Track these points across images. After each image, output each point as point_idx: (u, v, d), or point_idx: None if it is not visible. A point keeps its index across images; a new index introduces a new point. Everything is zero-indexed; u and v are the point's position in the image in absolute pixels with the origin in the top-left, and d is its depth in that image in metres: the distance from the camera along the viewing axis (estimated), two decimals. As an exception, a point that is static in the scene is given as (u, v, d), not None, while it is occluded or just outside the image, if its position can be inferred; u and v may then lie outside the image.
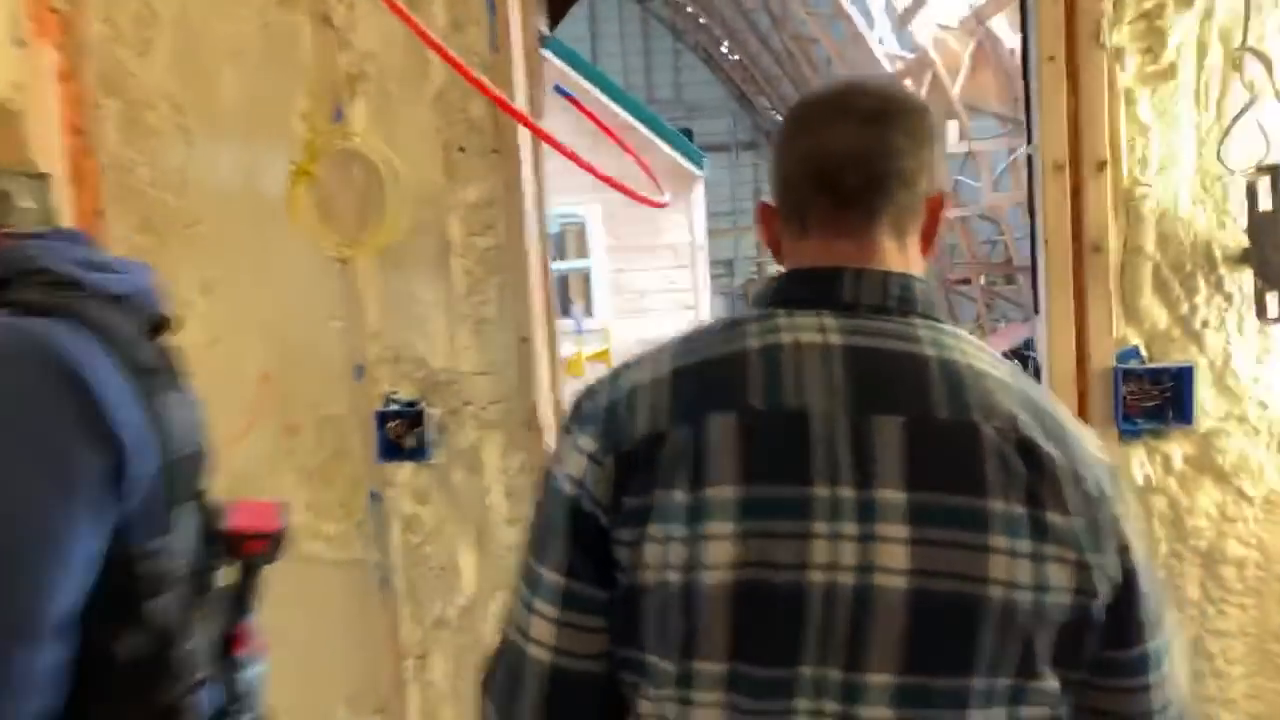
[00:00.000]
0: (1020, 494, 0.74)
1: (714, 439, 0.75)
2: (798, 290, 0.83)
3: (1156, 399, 1.75)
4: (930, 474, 0.74)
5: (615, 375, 0.84)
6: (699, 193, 8.12)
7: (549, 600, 0.81)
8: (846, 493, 0.74)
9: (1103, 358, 1.77)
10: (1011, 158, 9.79)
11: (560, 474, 0.81)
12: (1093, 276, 1.77)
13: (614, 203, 8.07)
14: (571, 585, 0.80)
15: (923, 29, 9.78)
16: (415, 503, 2.06)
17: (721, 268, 15.57)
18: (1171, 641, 0.82)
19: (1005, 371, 0.80)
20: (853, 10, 11.02)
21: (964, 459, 0.74)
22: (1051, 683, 0.75)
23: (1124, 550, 0.77)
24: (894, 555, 0.73)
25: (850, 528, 0.74)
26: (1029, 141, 1.88)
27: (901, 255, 0.84)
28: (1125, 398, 1.75)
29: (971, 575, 0.73)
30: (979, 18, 9.02)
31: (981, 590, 0.73)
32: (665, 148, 7.89)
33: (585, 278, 8.40)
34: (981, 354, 0.80)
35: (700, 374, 0.79)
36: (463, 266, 1.98)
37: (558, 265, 8.42)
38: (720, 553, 0.74)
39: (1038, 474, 0.75)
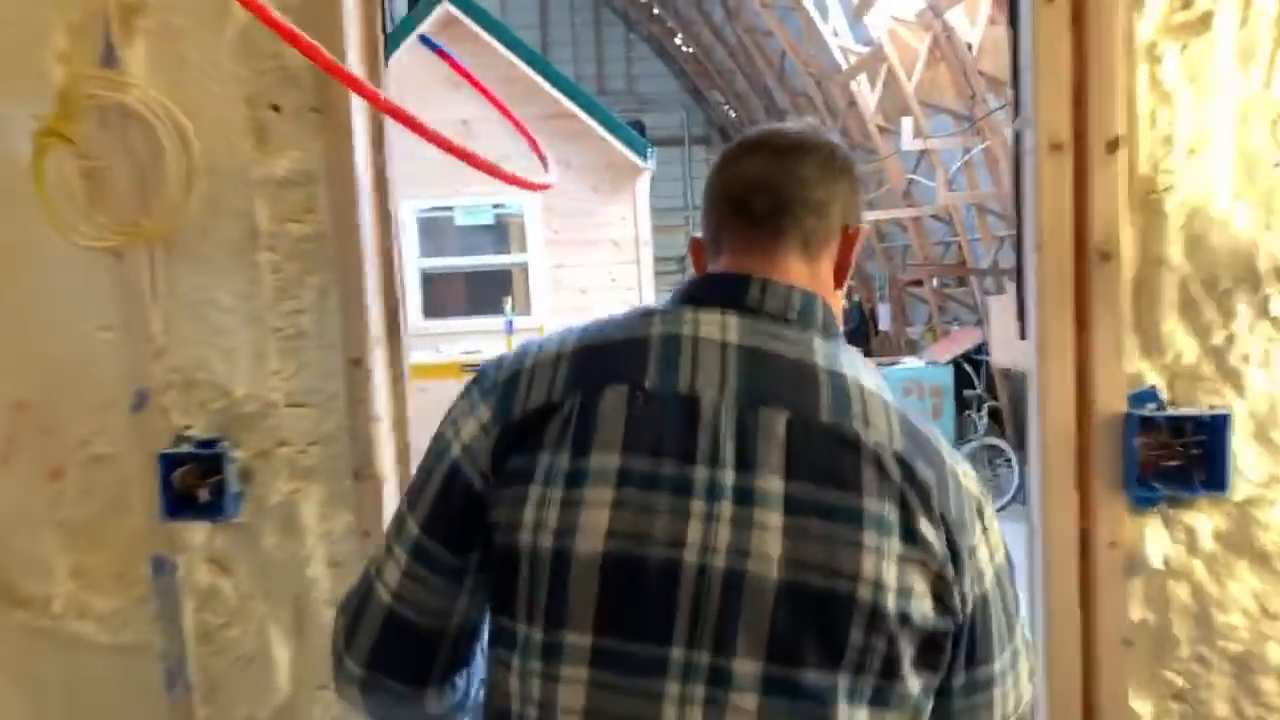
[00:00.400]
0: (894, 499, 0.77)
1: (604, 409, 0.78)
2: (706, 291, 0.87)
3: (1180, 456, 1.32)
4: (809, 468, 0.77)
5: (523, 350, 0.86)
6: (644, 185, 7.64)
7: (404, 549, 0.84)
8: (727, 476, 0.77)
9: (1111, 400, 1.34)
10: (966, 157, 9.52)
11: (452, 435, 0.84)
12: (1100, 293, 1.34)
13: (553, 193, 7.57)
14: (425, 542, 0.83)
15: (878, 22, 9.46)
16: (213, 573, 1.56)
17: (673, 264, 15.16)
18: (1017, 652, 0.85)
19: (890, 396, 0.83)
20: (808, 2, 10.66)
21: (842, 459, 0.78)
22: (913, 686, 0.78)
23: (978, 578, 0.81)
24: (768, 542, 0.76)
25: (727, 510, 0.76)
26: (1016, 113, 1.44)
27: (810, 276, 0.88)
28: (1139, 453, 1.32)
29: (842, 571, 0.75)
30: (935, 10, 8.70)
31: (851, 588, 0.75)
32: (608, 136, 7.40)
33: (523, 273, 7.89)
34: (871, 376, 0.84)
35: (600, 352, 0.82)
36: (272, 262, 1.49)
37: (496, 260, 7.95)
38: (595, 519, 0.76)
39: (910, 484, 0.78)
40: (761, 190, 0.88)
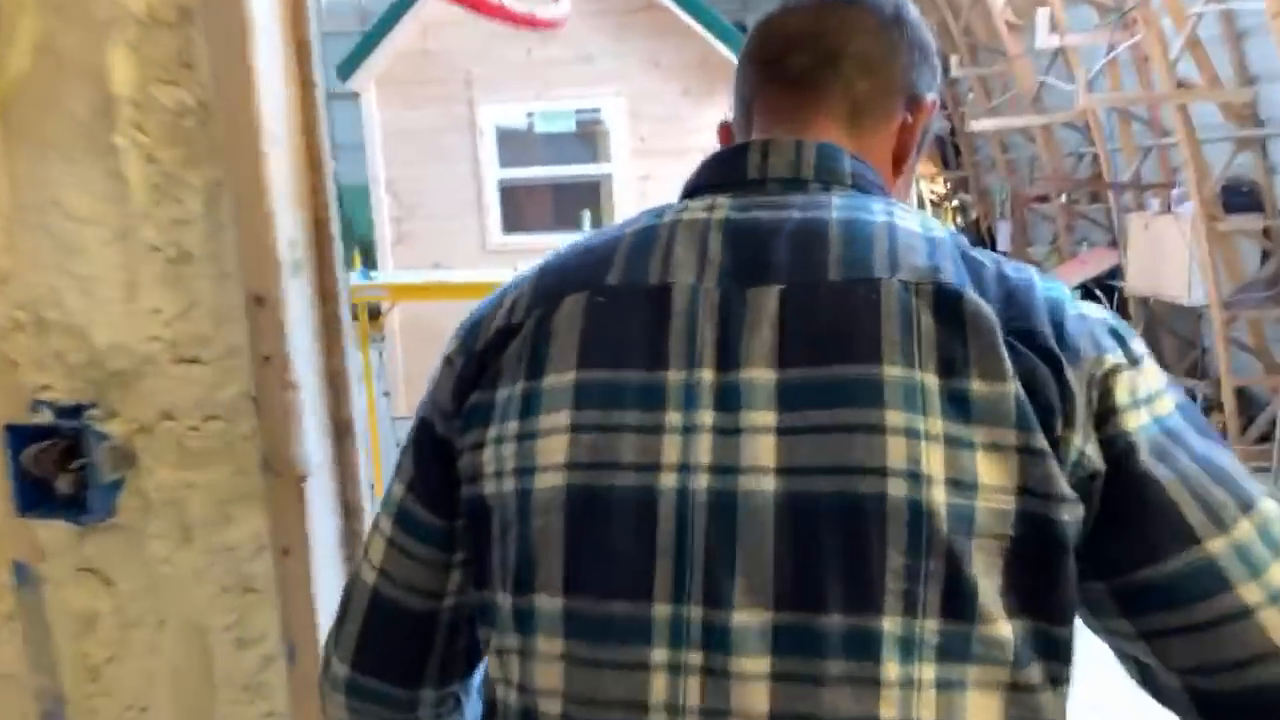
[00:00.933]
0: (930, 357, 0.58)
1: (559, 320, 0.65)
2: (702, 176, 0.72)
3: None
4: (809, 345, 0.60)
5: (510, 280, 0.73)
6: (740, 87, 6.93)
7: (389, 516, 0.74)
8: (706, 375, 0.61)
9: None
10: (1110, 55, 8.44)
11: (429, 383, 0.73)
12: None
13: (641, 97, 7.00)
14: (407, 503, 0.72)
15: (1014, -101, 8.36)
16: (90, 590, 1.12)
17: (771, 178, 14.28)
18: (1270, 523, 0.57)
19: (951, 239, 0.64)
20: (932, -121, 9.53)
21: (854, 320, 0.59)
22: (1004, 630, 0.55)
23: (1107, 415, 0.57)
24: (761, 449, 0.58)
25: (707, 417, 0.60)
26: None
27: (854, 153, 0.70)
28: None
29: (860, 466, 0.56)
30: (1085, -119, 7.56)
31: (877, 486, 0.56)
32: (701, 31, 6.69)
33: (610, 185, 7.35)
34: (924, 221, 0.65)
35: (568, 262, 0.69)
36: (140, 147, 0.99)
37: (576, 171, 7.43)
38: (553, 450, 0.62)
39: (957, 331, 0.58)
40: (802, 44, 0.72)
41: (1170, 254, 7.32)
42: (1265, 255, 6.84)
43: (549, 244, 5.36)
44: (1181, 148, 6.61)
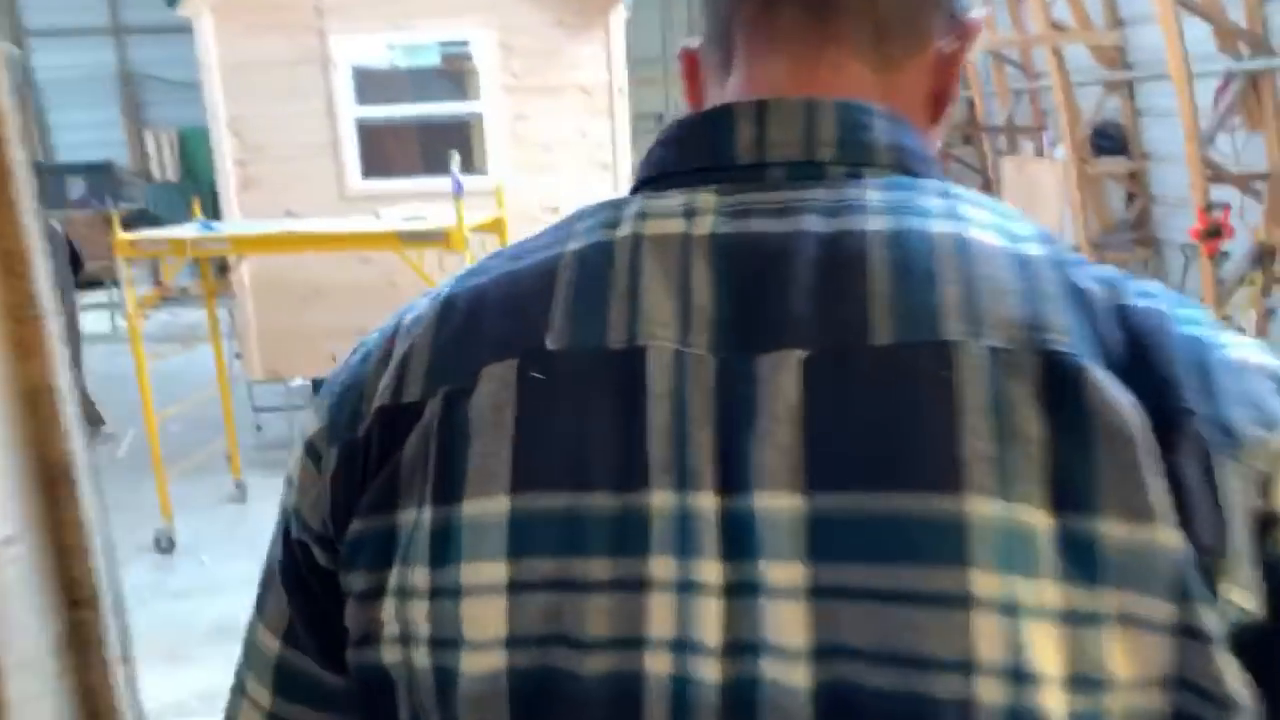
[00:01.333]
0: (1037, 480, 0.39)
1: (477, 409, 0.44)
2: (668, 156, 0.50)
3: None
4: (847, 454, 0.40)
5: (400, 312, 0.53)
6: (618, 20, 6.54)
7: (261, 680, 0.53)
8: (705, 502, 0.41)
9: None
10: (986, -4, 8.46)
11: (289, 473, 0.52)
12: None
13: (512, 31, 6.53)
14: (288, 658, 0.53)
15: None
16: None
17: (650, 122, 13.92)
18: None
19: (1049, 253, 0.44)
20: None
21: (916, 414, 0.40)
22: None
23: (1266, 527, 0.39)
24: (787, 621, 0.40)
25: (712, 570, 0.41)
26: None
27: (882, 95, 0.49)
28: None
29: (934, 658, 0.38)
30: None
31: (957, 688, 0.38)
32: (574, -42, 6.24)
33: (480, 126, 6.86)
34: (1003, 220, 0.45)
35: (482, 300, 0.48)
36: None
37: (442, 109, 6.91)
38: (485, 619, 0.43)
39: (1078, 434, 0.39)
40: None
41: (1044, 196, 7.42)
42: (1130, 198, 7.00)
43: (415, 190, 4.84)
44: (1055, 91, 6.64)
